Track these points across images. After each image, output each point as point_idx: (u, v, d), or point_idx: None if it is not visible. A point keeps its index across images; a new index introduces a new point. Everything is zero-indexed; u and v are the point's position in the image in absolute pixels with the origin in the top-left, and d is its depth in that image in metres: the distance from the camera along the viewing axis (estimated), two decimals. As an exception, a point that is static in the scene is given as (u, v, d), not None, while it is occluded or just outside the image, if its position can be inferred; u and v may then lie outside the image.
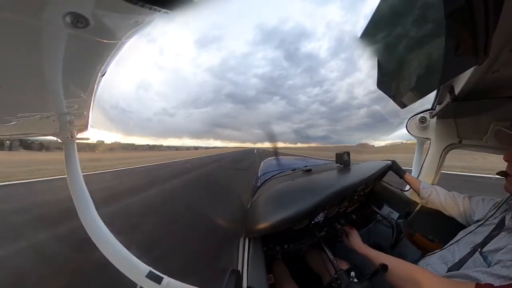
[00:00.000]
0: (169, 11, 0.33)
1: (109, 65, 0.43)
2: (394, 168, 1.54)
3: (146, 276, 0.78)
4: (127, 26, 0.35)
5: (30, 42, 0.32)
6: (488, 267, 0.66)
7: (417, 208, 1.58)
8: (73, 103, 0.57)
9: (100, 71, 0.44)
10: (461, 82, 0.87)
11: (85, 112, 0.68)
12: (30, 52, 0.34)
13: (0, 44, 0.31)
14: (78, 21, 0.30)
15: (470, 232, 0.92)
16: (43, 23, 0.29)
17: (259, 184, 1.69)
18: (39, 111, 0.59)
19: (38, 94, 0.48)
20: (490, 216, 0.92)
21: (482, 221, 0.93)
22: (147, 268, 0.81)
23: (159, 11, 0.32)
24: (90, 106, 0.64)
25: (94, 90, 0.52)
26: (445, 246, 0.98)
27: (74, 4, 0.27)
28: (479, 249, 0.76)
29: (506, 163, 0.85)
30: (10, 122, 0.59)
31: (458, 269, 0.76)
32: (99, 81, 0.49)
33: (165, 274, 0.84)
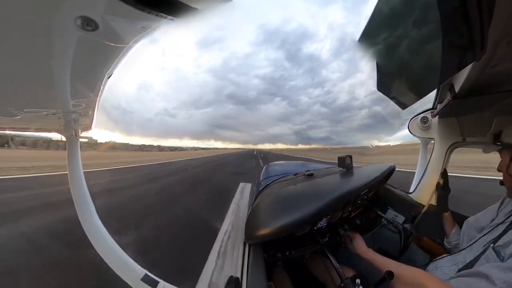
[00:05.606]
0: (174, 18, 0.35)
1: (115, 68, 0.45)
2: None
3: (142, 280, 0.77)
4: (134, 31, 0.37)
5: (42, 42, 0.34)
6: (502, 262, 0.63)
7: (423, 210, 1.55)
8: (80, 102, 0.59)
9: (107, 73, 0.46)
10: (460, 79, 0.86)
11: (90, 112, 0.69)
12: (41, 51, 0.36)
13: (13, 43, 0.33)
14: (88, 24, 0.31)
15: (485, 235, 0.89)
16: (55, 25, 0.31)
17: (260, 189, 1.67)
18: (46, 108, 0.60)
19: (46, 91, 0.50)
20: (504, 221, 0.89)
21: (493, 226, 0.90)
22: (142, 271, 0.79)
23: (165, 17, 0.34)
24: (95, 106, 0.65)
25: (100, 91, 0.54)
26: (458, 251, 0.95)
27: (85, 8, 0.29)
28: (492, 245, 0.73)
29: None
30: (16, 116, 0.61)
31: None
32: (105, 83, 0.51)
33: (161, 278, 0.83)
